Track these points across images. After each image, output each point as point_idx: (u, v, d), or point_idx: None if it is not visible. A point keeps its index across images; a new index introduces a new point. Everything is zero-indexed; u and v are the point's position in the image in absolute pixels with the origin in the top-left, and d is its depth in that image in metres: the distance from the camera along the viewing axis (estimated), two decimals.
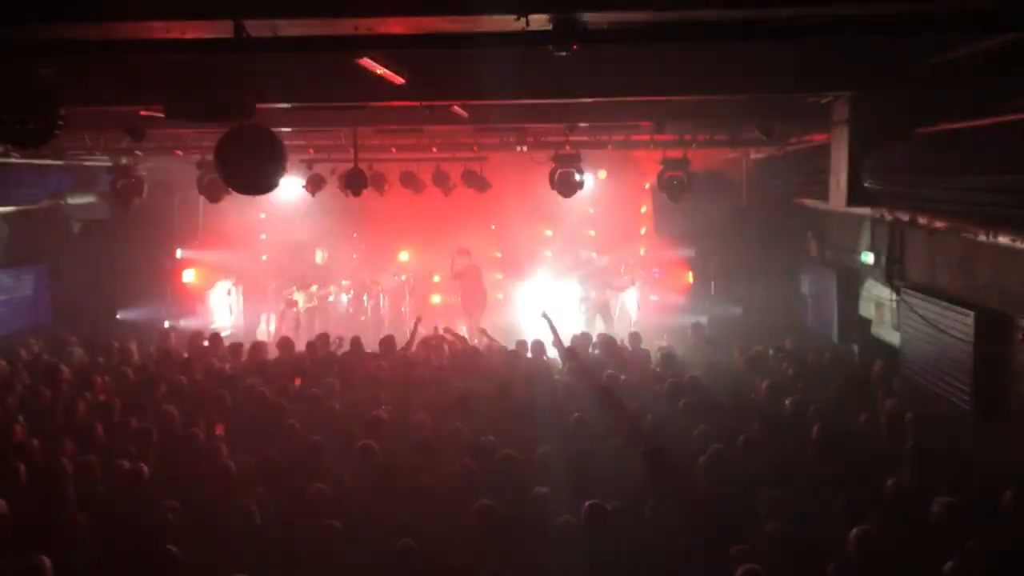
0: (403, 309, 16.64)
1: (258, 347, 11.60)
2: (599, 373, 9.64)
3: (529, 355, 10.96)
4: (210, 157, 10.20)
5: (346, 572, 5.56)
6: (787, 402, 8.23)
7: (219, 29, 4.63)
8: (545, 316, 11.63)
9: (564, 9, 4.36)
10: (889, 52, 6.98)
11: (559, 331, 11.47)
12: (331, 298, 16.56)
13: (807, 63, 7.12)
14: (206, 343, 11.90)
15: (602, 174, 15.91)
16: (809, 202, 11.95)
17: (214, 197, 12.77)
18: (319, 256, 16.26)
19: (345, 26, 4.79)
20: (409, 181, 14.08)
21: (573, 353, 10.84)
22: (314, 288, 15.70)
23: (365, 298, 16.93)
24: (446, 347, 11.63)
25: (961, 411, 8.06)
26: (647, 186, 15.45)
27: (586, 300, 15.20)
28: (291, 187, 13.73)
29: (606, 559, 5.48)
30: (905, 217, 8.67)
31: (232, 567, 5.28)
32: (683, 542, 5.66)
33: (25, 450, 7.21)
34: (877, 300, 10.75)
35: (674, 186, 12.32)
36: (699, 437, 7.35)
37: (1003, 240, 7.07)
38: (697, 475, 6.61)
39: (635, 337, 11.79)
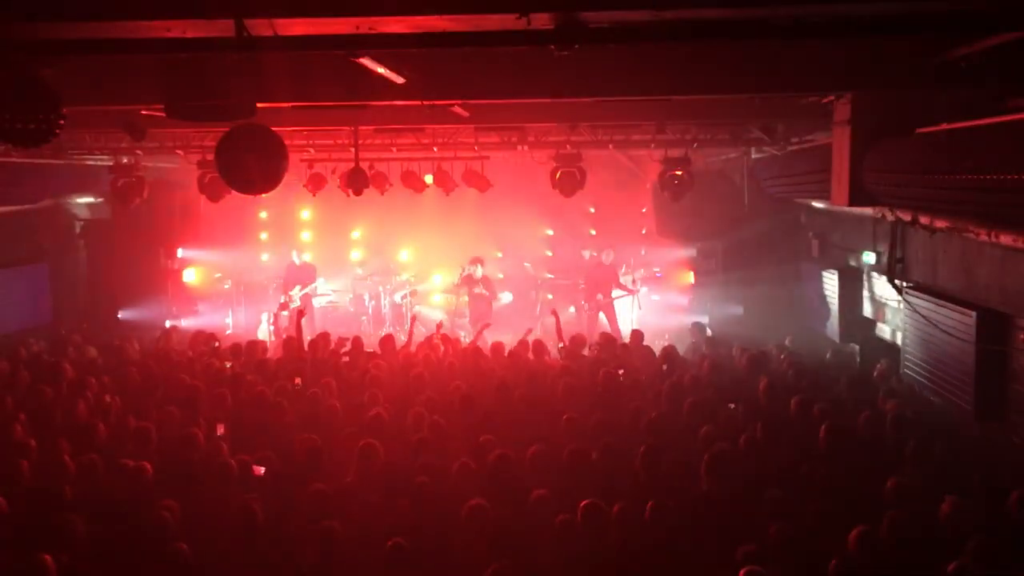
0: (403, 309, 16.60)
1: (257, 346, 11.61)
2: (596, 372, 9.64)
3: (530, 355, 10.95)
4: (211, 157, 10.21)
5: (343, 572, 5.55)
6: (792, 402, 8.23)
7: (219, 28, 4.62)
8: (553, 314, 11.71)
9: (565, 8, 4.35)
10: (890, 52, 6.97)
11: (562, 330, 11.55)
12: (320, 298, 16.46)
13: (808, 63, 7.12)
14: (217, 344, 11.92)
15: None
16: (811, 202, 11.95)
17: (215, 197, 12.77)
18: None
19: (346, 25, 4.78)
20: (410, 180, 14.08)
21: (570, 352, 10.85)
22: (296, 290, 15.64)
23: (367, 297, 16.92)
24: (442, 347, 11.62)
25: (962, 411, 8.05)
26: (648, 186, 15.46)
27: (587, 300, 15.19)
28: None
29: (605, 559, 5.47)
30: (907, 217, 8.66)
31: (232, 567, 5.29)
32: (684, 542, 5.65)
33: (25, 449, 7.21)
34: (879, 300, 10.75)
35: (675, 186, 12.33)
36: (701, 437, 7.34)
37: (1005, 240, 7.06)
38: (699, 475, 6.60)
39: (637, 335, 11.78)
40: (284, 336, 12.43)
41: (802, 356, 10.90)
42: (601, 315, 15.08)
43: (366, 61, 5.79)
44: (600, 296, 15.02)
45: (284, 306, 13.78)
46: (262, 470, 7.08)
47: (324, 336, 11.70)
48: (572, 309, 15.79)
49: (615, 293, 15.17)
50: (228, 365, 10.61)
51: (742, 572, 4.88)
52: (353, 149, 11.76)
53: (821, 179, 9.95)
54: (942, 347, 8.46)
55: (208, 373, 10.17)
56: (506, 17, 4.37)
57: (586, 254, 16.25)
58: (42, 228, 14.16)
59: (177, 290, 15.74)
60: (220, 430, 8.22)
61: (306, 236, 17.89)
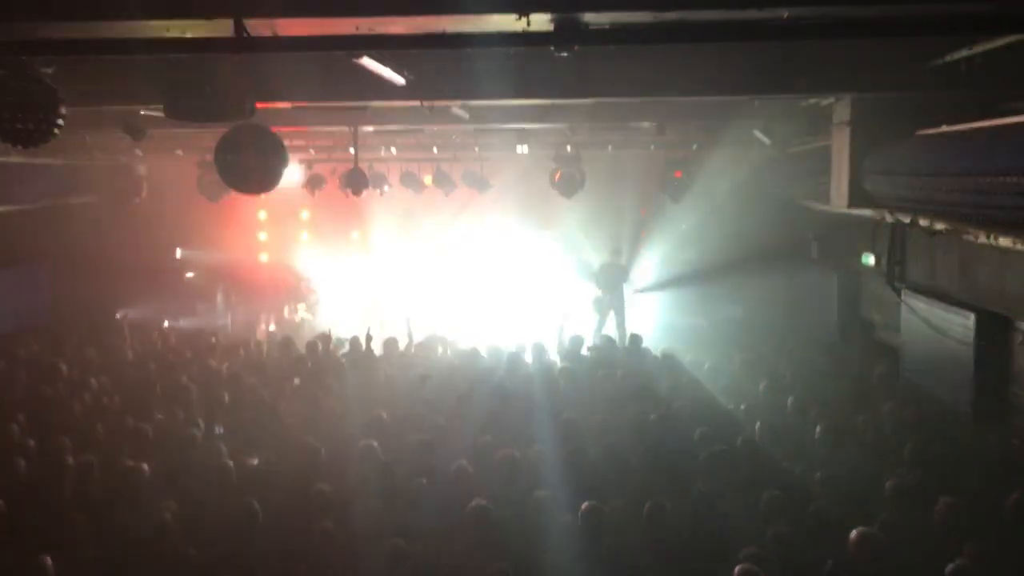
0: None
1: (255, 346, 11.62)
2: (594, 374, 9.65)
3: (529, 357, 10.94)
4: (210, 157, 10.20)
5: (342, 573, 5.55)
6: (788, 402, 8.23)
7: (219, 29, 4.62)
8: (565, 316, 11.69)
9: (565, 9, 4.35)
10: (890, 54, 6.98)
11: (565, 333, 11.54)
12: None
13: (808, 64, 7.13)
14: (214, 341, 11.93)
15: None
16: (810, 203, 11.96)
17: (214, 197, 12.78)
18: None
19: (345, 26, 4.78)
20: (409, 181, 14.11)
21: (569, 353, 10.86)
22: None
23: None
24: (440, 348, 11.64)
25: (961, 412, 8.05)
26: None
27: (598, 300, 15.07)
28: None
29: (604, 560, 5.47)
30: (906, 219, 8.67)
31: (231, 567, 5.28)
32: (682, 543, 5.65)
33: (23, 449, 7.21)
34: (878, 302, 10.75)
35: (675, 187, 12.34)
36: (699, 438, 7.35)
37: (1004, 242, 7.07)
38: (696, 476, 6.60)
39: (636, 338, 11.78)
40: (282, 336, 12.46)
41: (801, 358, 10.90)
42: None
43: (366, 61, 5.79)
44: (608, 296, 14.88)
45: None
46: (255, 461, 7.10)
47: (323, 337, 11.70)
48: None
49: (627, 292, 15.00)
50: (225, 366, 10.61)
51: (737, 570, 4.88)
52: (352, 150, 11.76)
53: (821, 181, 9.97)
54: (941, 349, 8.46)
55: (206, 373, 10.17)
56: (506, 18, 4.37)
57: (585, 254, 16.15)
58: (42, 228, 14.13)
59: (175, 290, 15.75)
60: (218, 431, 8.23)
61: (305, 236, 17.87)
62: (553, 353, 11.21)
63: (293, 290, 15.85)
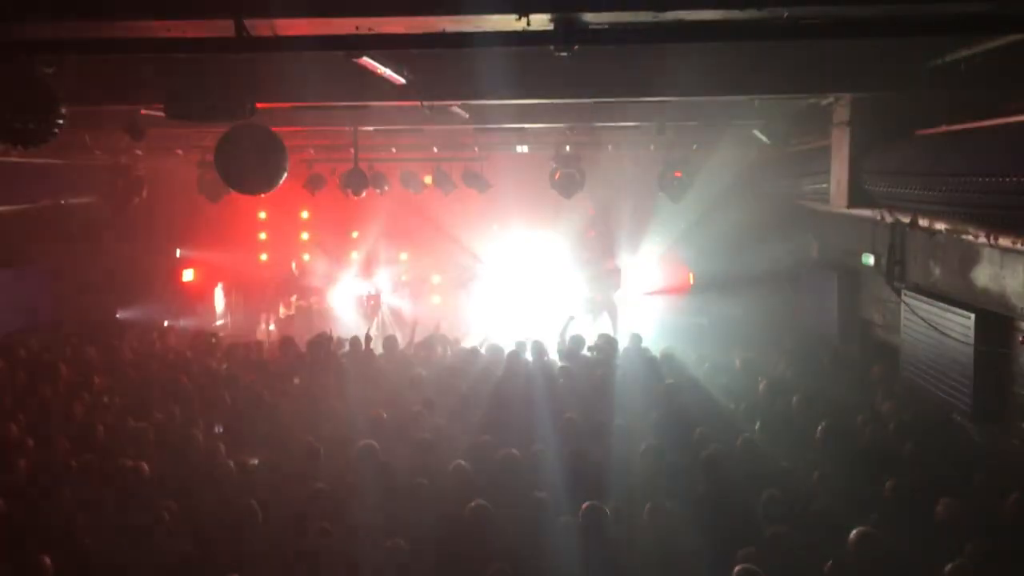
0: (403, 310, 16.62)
1: (254, 346, 11.62)
2: (594, 373, 9.65)
3: (529, 356, 10.95)
4: (210, 157, 10.22)
5: (342, 572, 5.55)
6: (792, 401, 8.23)
7: (219, 28, 4.63)
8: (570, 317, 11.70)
9: (565, 9, 4.35)
10: (890, 54, 6.98)
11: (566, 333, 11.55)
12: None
13: (808, 64, 7.13)
14: (214, 340, 11.93)
15: None
16: (810, 203, 11.96)
17: (214, 197, 12.78)
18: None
19: (345, 25, 4.79)
20: (409, 181, 14.10)
21: (570, 353, 10.85)
22: (294, 298, 15.82)
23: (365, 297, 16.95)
24: (440, 348, 11.64)
25: (961, 413, 8.05)
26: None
27: (591, 300, 15.11)
28: None
29: (604, 560, 5.47)
30: (905, 219, 8.67)
31: (231, 566, 5.28)
32: (682, 543, 5.65)
33: (24, 449, 7.21)
34: (878, 301, 10.75)
35: (674, 186, 12.34)
36: (698, 438, 7.35)
37: (1004, 242, 7.07)
38: (696, 475, 6.61)
39: (636, 338, 11.78)
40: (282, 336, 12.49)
41: (801, 357, 10.90)
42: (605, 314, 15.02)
43: (366, 61, 5.80)
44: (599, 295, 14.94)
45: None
46: (255, 461, 7.11)
47: (323, 336, 11.71)
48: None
49: (618, 294, 15.07)
50: (225, 366, 10.62)
51: (737, 570, 4.89)
52: (353, 150, 11.76)
53: (821, 180, 9.97)
54: (941, 349, 8.46)
55: (206, 373, 10.18)
56: (506, 18, 4.38)
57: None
58: (42, 228, 14.13)
59: (175, 290, 15.77)
60: (218, 430, 8.23)
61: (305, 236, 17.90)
62: (553, 352, 11.23)
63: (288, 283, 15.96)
